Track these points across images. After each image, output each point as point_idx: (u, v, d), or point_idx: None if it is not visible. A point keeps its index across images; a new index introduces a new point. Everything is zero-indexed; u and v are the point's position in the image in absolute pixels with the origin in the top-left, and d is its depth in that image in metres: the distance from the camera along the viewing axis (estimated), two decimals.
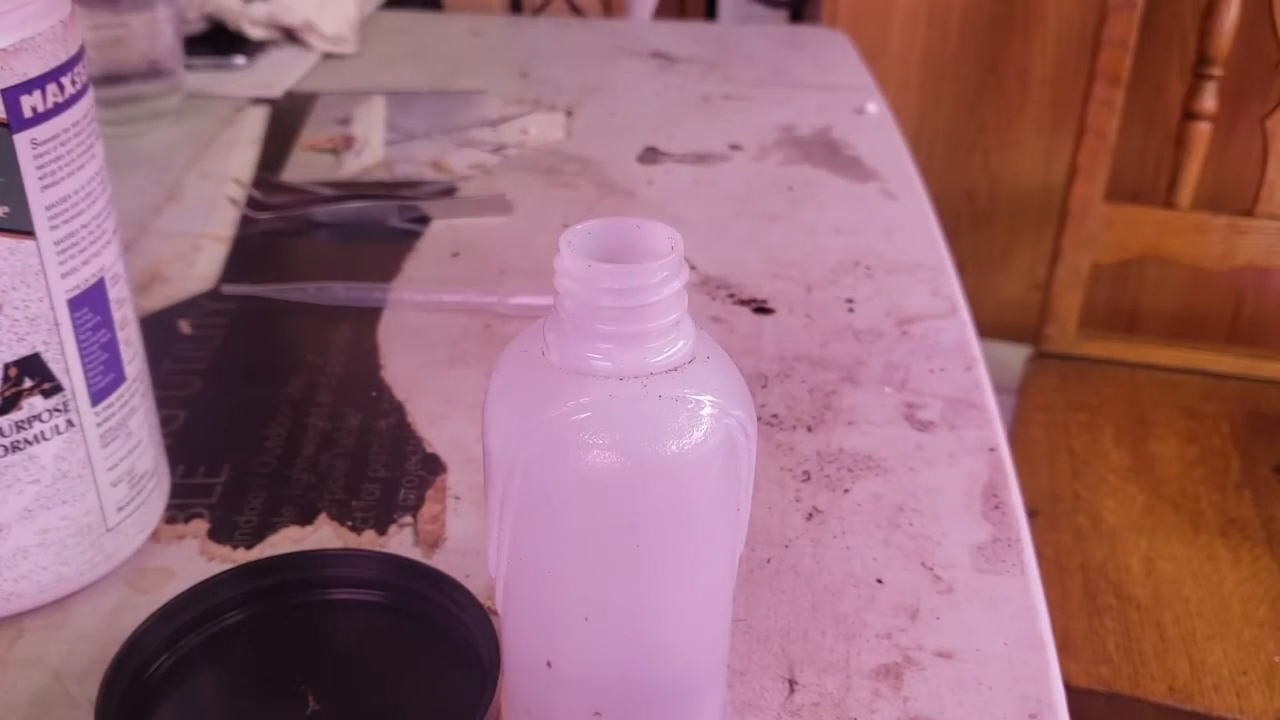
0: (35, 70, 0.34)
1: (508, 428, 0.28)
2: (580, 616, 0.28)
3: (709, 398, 0.27)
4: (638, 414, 0.26)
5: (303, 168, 0.75)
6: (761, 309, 0.59)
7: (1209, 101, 1.18)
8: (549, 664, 0.30)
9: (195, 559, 0.42)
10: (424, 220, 0.68)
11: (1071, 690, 0.47)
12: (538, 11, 1.64)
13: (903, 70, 1.61)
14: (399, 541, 0.43)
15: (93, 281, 0.37)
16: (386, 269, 0.63)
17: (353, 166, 0.76)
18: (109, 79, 0.78)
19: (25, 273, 0.35)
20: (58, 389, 0.37)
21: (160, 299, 0.60)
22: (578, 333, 0.27)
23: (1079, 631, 0.92)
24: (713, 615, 0.30)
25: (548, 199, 0.72)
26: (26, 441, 0.37)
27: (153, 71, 0.80)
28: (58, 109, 0.35)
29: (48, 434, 0.37)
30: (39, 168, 0.35)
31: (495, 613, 0.32)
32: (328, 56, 0.96)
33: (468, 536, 0.44)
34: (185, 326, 0.58)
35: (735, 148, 0.79)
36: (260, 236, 0.67)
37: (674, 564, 0.28)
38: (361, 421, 0.50)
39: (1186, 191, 1.20)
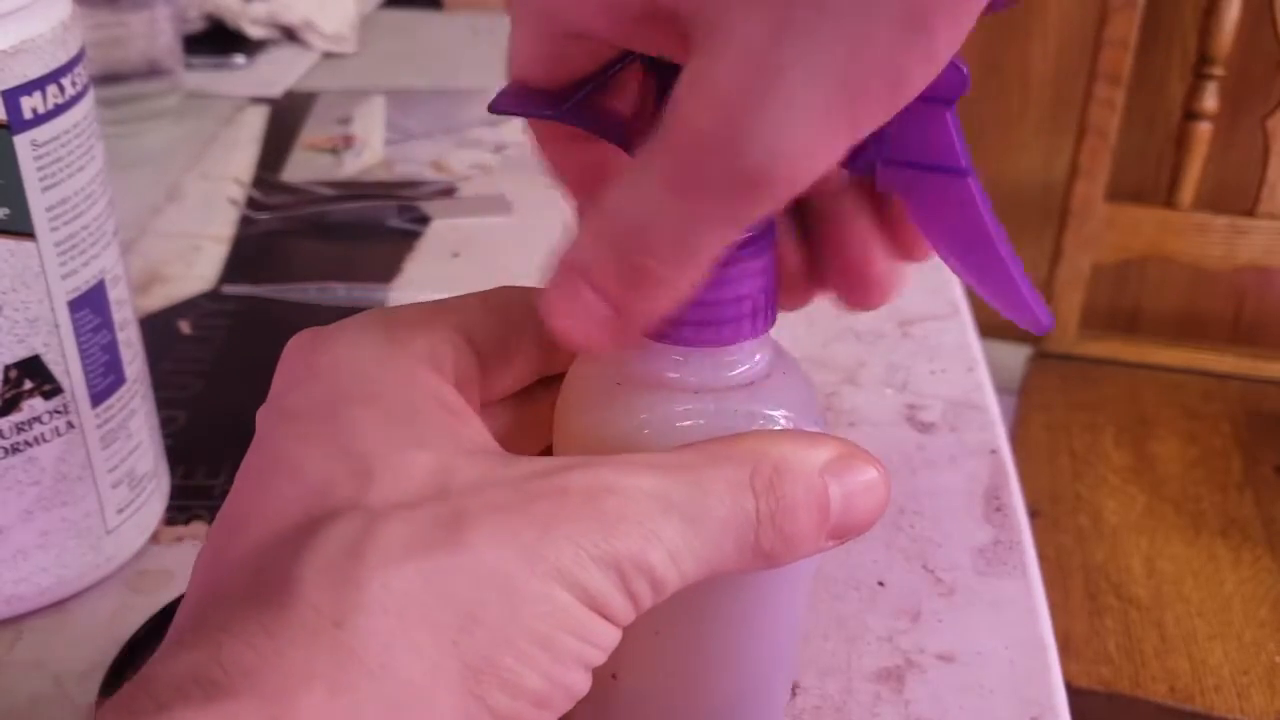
0: (35, 72, 0.34)
1: (580, 440, 0.27)
2: (651, 630, 0.28)
3: (783, 413, 0.27)
4: (713, 429, 0.26)
5: (303, 168, 0.75)
6: None
7: (1210, 101, 1.18)
8: (614, 676, 0.29)
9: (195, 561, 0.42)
10: (424, 220, 0.68)
11: (1072, 690, 0.47)
12: None
13: None
14: None
15: (93, 283, 0.37)
16: (386, 269, 0.63)
17: (353, 166, 0.76)
18: (108, 79, 0.78)
19: (25, 274, 0.35)
20: (58, 391, 0.37)
21: (160, 299, 0.60)
22: (653, 346, 0.26)
23: (1080, 632, 0.92)
24: (784, 625, 0.30)
25: (548, 199, 0.71)
26: (27, 443, 0.37)
27: (152, 71, 0.80)
28: (58, 110, 0.35)
29: (48, 436, 0.37)
30: (39, 169, 0.34)
31: None
32: (327, 56, 0.95)
33: None
34: (185, 327, 0.57)
35: None
36: (260, 236, 0.67)
37: (748, 575, 0.28)
38: None
39: (1187, 191, 1.20)
